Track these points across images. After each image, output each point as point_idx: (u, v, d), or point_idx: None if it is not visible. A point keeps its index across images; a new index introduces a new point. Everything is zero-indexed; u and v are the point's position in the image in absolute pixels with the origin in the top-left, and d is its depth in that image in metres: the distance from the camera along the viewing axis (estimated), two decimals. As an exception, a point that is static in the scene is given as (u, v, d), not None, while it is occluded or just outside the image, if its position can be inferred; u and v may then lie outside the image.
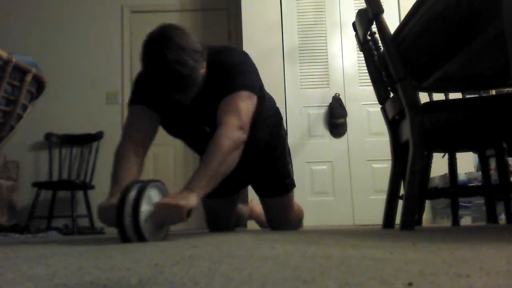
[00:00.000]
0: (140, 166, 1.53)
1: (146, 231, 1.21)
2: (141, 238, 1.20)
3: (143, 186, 1.23)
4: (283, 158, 2.07)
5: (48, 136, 4.24)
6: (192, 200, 1.25)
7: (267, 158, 1.99)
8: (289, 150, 2.16)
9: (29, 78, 2.06)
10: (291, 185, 2.07)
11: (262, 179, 2.05)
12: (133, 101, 1.64)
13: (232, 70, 1.56)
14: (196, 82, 1.46)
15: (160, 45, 1.36)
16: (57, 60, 4.42)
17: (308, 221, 3.52)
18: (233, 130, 1.44)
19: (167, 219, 1.26)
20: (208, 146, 1.40)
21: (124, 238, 1.20)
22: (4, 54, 1.91)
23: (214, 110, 1.52)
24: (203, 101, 1.57)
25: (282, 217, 2.08)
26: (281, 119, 2.12)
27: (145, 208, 1.21)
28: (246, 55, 1.67)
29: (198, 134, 1.72)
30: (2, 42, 4.06)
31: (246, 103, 1.52)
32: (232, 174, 2.03)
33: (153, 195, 1.27)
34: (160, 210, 1.23)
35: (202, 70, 1.49)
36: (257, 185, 2.10)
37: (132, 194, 1.20)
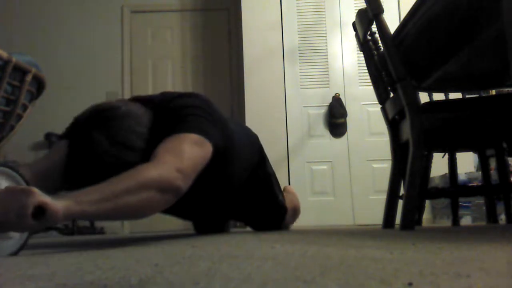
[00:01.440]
0: None
1: None
2: None
3: None
4: (271, 195, 1.91)
5: (48, 136, 4.23)
6: (57, 203, 0.87)
7: (253, 200, 1.87)
8: (276, 179, 1.97)
9: (29, 78, 2.06)
10: (286, 210, 1.99)
11: (259, 221, 2.00)
12: (64, 135, 1.30)
13: (181, 111, 1.28)
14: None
15: (88, 144, 1.12)
16: (57, 60, 4.41)
17: (308, 221, 3.52)
18: (169, 169, 1.08)
19: (5, 213, 0.83)
20: (128, 171, 1.03)
21: None
22: (4, 54, 1.91)
23: None
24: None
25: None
26: (263, 157, 1.91)
27: None
28: (206, 101, 1.39)
29: None
30: (2, 42, 4.06)
31: (192, 149, 1.18)
32: (216, 214, 1.95)
33: None
34: None
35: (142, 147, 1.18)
36: (256, 226, 2.07)
37: None
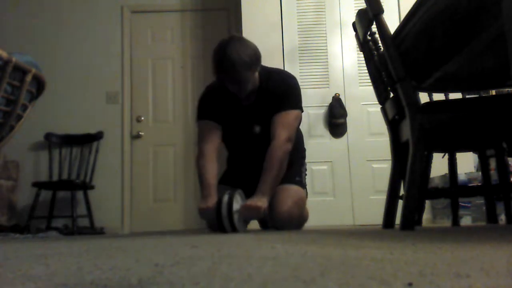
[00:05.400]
0: (217, 167, 2.01)
1: (237, 224, 1.78)
2: (234, 229, 1.78)
3: (231, 194, 1.79)
4: (297, 165, 2.26)
5: (48, 136, 4.23)
6: (265, 202, 1.82)
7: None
8: (305, 163, 2.35)
9: (29, 78, 2.06)
10: (300, 183, 2.17)
11: None
12: (200, 116, 2.11)
13: (289, 90, 2.03)
14: (249, 79, 1.92)
15: (230, 50, 1.90)
16: (57, 60, 4.41)
17: (308, 221, 3.51)
18: (285, 143, 1.94)
19: (250, 216, 1.89)
20: (267, 157, 1.92)
21: (222, 230, 1.77)
22: (4, 54, 1.91)
23: (263, 114, 2.00)
24: (256, 106, 2.04)
25: (286, 212, 2.07)
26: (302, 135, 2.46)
27: (235, 207, 1.78)
28: (295, 79, 2.12)
29: (248, 133, 2.11)
30: (2, 42, 4.06)
31: (295, 121, 2.01)
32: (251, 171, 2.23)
33: (237, 199, 1.84)
34: (245, 210, 1.80)
35: (256, 76, 1.98)
36: None
37: (225, 199, 1.77)
